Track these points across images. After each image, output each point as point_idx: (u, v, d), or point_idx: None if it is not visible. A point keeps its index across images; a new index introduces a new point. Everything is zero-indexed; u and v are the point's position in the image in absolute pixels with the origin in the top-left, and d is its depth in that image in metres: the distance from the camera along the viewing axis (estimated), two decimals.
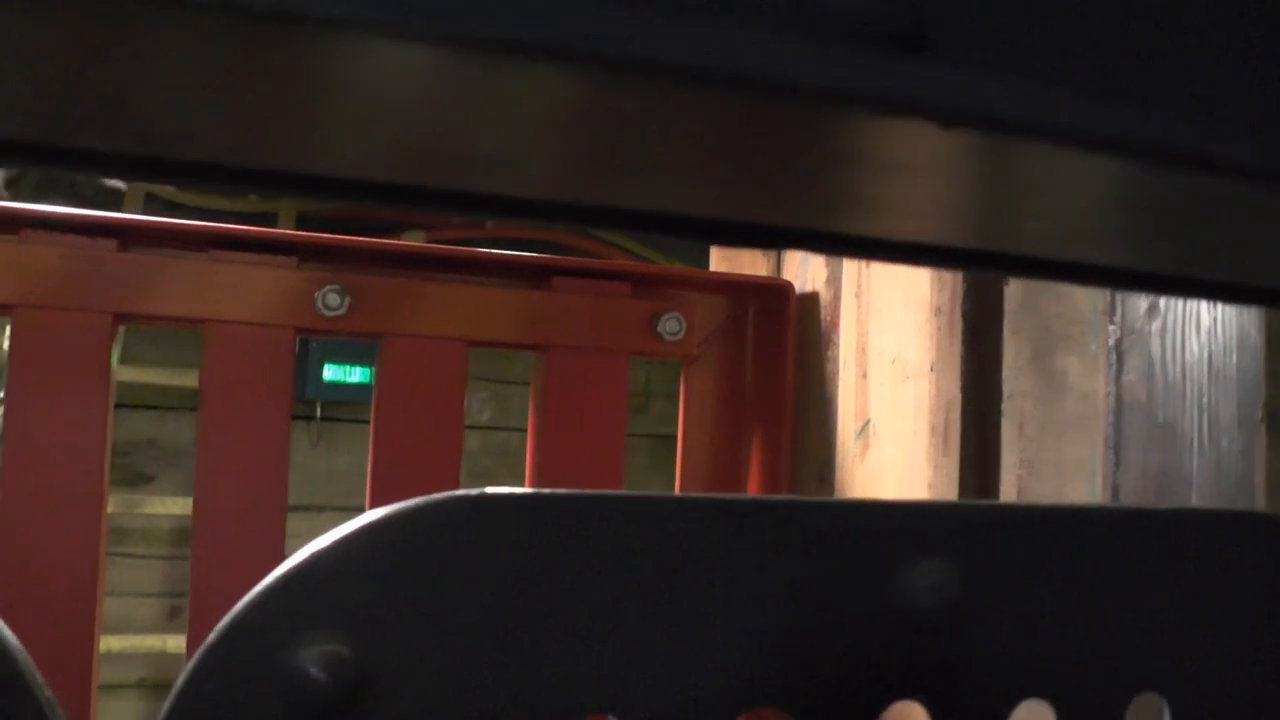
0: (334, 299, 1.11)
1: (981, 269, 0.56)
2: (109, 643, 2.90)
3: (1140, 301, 0.83)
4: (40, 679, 0.42)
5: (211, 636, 0.43)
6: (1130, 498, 0.84)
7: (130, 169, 0.35)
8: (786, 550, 0.48)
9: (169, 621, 3.40)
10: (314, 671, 0.42)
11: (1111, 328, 0.86)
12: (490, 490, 0.44)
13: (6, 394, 1.07)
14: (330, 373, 3.46)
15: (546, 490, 0.44)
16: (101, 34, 0.24)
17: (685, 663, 0.46)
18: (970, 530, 0.51)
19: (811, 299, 1.28)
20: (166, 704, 0.43)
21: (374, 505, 1.15)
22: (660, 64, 0.26)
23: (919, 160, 0.35)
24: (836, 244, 0.46)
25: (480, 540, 0.44)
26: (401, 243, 1.18)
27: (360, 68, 0.26)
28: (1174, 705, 0.53)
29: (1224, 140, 0.33)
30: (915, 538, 0.50)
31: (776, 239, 0.47)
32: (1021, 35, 0.32)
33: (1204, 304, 0.77)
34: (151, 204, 3.40)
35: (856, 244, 0.46)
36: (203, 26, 0.23)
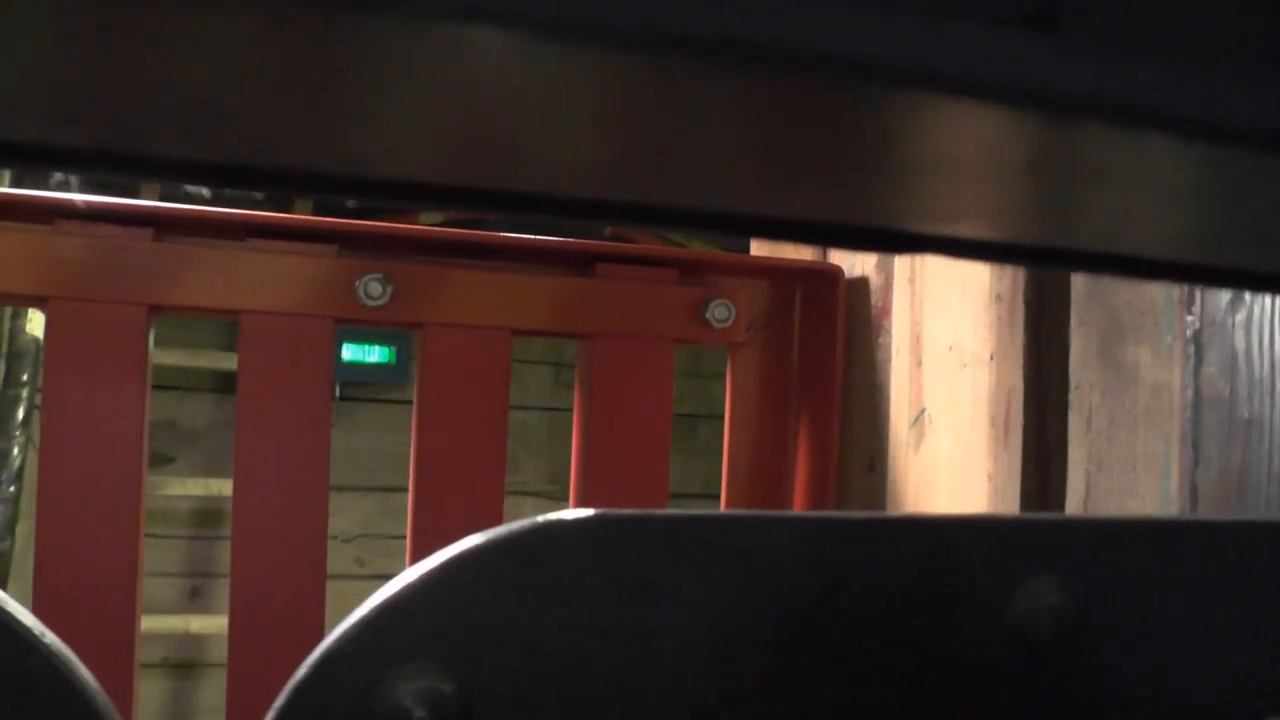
0: (376, 288, 1.08)
1: (1048, 266, 0.53)
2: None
3: (1222, 293, 0.80)
4: (86, 675, 0.39)
5: (301, 671, 0.40)
6: (1209, 495, 0.81)
7: (198, 175, 0.33)
8: (898, 569, 0.45)
9: (190, 602, 3.39)
10: (414, 708, 0.40)
11: (1190, 319, 0.83)
12: (598, 511, 0.42)
13: (44, 387, 1.05)
14: (349, 353, 3.43)
15: (657, 512, 0.42)
16: (139, 24, 0.22)
17: (799, 688, 0.44)
18: (1089, 546, 0.48)
19: (861, 284, 1.25)
20: None
21: (417, 499, 1.13)
22: (791, 50, 0.23)
23: (964, 151, 0.32)
24: (892, 241, 0.44)
25: (586, 565, 0.41)
26: (443, 229, 1.15)
27: (405, 54, 0.24)
28: None
29: None
30: (1033, 554, 0.47)
31: (833, 236, 0.44)
32: (1162, 13, 0.29)
33: None
34: (168, 193, 3.38)
35: (913, 241, 0.44)
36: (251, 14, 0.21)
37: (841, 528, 0.45)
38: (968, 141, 0.32)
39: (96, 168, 0.28)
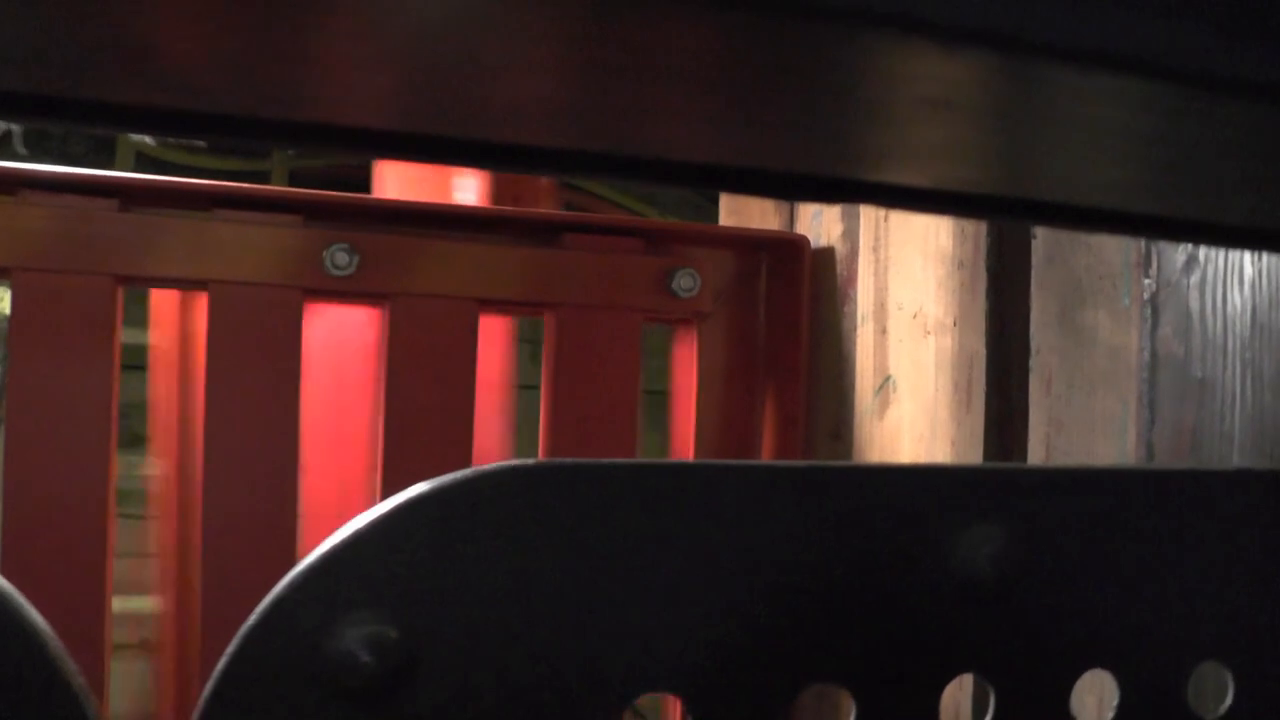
0: (342, 258, 1.09)
1: (1008, 217, 0.53)
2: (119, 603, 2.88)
3: (1177, 255, 0.81)
4: (72, 666, 0.40)
5: (251, 619, 0.41)
6: (1165, 455, 0.83)
7: (117, 120, 0.33)
8: (845, 518, 0.46)
9: None
10: (360, 654, 0.40)
11: (1146, 281, 0.84)
12: (542, 460, 0.42)
13: (10, 360, 1.04)
14: None
15: (601, 460, 0.42)
16: None
17: (745, 637, 0.45)
18: (1030, 494, 0.49)
19: (827, 253, 1.25)
20: (206, 690, 0.41)
21: (386, 469, 1.13)
22: None
23: (931, 92, 0.32)
24: (854, 191, 0.44)
25: (530, 513, 0.42)
26: (410, 200, 1.15)
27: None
28: (1238, 673, 0.52)
29: (1271, 64, 0.30)
30: (974, 503, 0.48)
31: (791, 187, 0.44)
32: None
33: (1248, 257, 0.75)
34: (142, 164, 3.36)
35: (875, 191, 0.44)
36: None
37: (782, 476, 0.46)
38: (925, 84, 0.32)
39: (27, 113, 0.29)
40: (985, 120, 0.35)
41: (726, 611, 0.44)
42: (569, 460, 0.43)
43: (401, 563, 0.41)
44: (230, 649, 0.41)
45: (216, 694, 0.40)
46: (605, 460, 0.43)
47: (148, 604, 3.19)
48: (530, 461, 0.42)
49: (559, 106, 0.34)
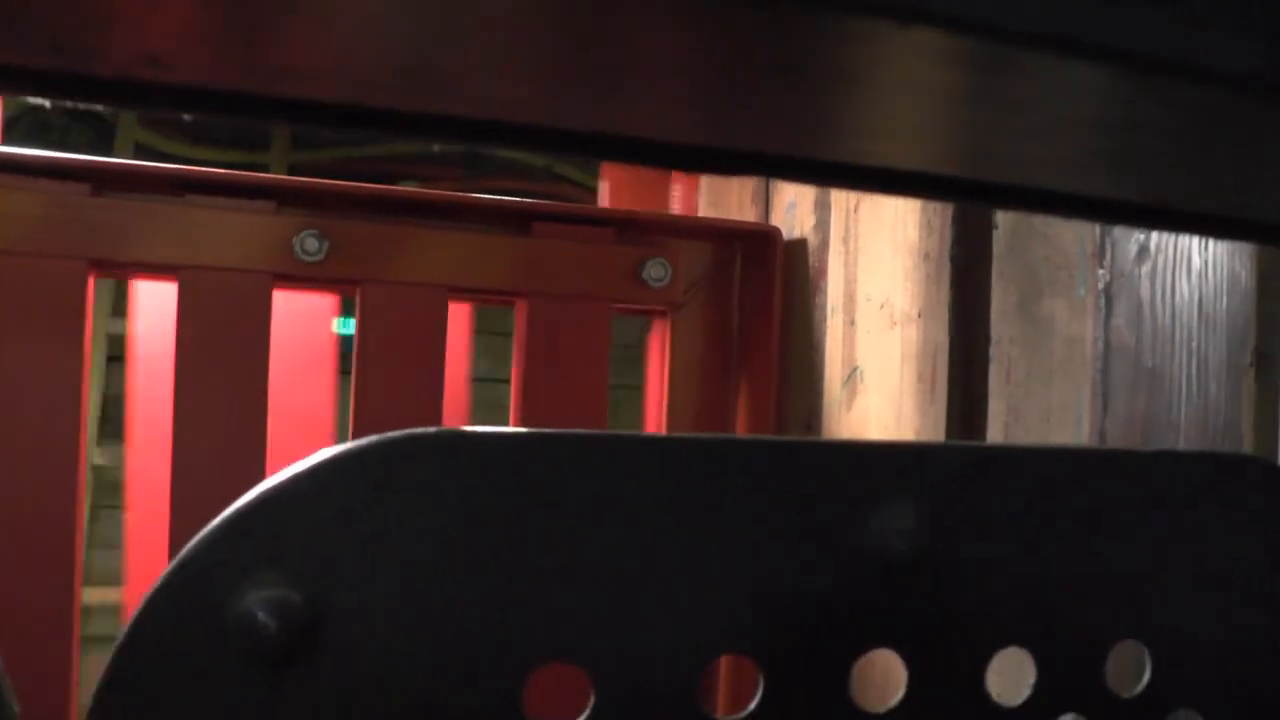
0: (312, 244, 1.09)
1: (969, 200, 0.54)
2: (104, 595, 2.89)
3: (1130, 245, 0.82)
4: None
5: (157, 581, 0.41)
6: (1118, 444, 0.83)
7: (61, 89, 0.33)
8: (756, 492, 0.47)
9: None
10: (262, 617, 0.41)
11: (1101, 271, 0.84)
12: (448, 429, 0.43)
13: None
14: (338, 326, 3.43)
15: (509, 429, 0.43)
16: None
17: (652, 610, 0.45)
18: (944, 472, 0.49)
19: (799, 245, 1.26)
20: (113, 651, 0.41)
21: None
22: None
23: (885, 72, 0.33)
24: (816, 171, 0.44)
25: (439, 480, 0.43)
26: (382, 187, 1.16)
27: None
28: (1155, 652, 0.52)
29: (1218, 48, 0.31)
30: (888, 480, 0.48)
31: (754, 165, 0.45)
32: None
33: (1195, 246, 0.76)
34: (141, 154, 3.37)
35: (837, 171, 0.44)
36: None
37: (695, 448, 0.46)
38: (897, 67, 0.32)
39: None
40: (943, 101, 0.35)
41: (632, 582, 0.45)
42: (475, 429, 0.43)
43: (308, 526, 0.42)
44: (137, 610, 0.41)
45: (121, 654, 0.40)
46: (511, 430, 0.44)
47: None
48: (438, 429, 0.43)
49: (539, 83, 0.35)
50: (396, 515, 0.42)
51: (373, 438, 0.43)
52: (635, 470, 0.45)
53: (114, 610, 3.12)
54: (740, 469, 0.46)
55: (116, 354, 3.04)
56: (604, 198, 1.44)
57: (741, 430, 1.27)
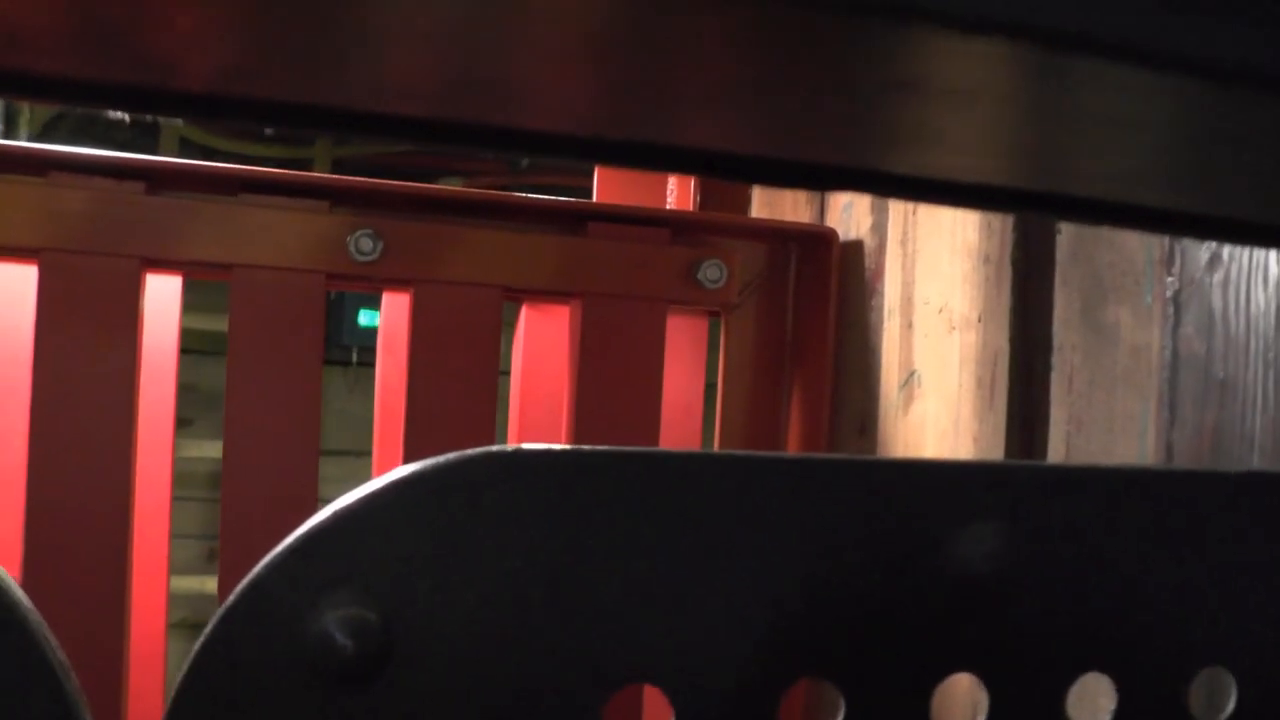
0: (367, 243, 1.09)
1: (1036, 211, 0.52)
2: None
3: (1201, 252, 0.80)
4: (52, 638, 0.40)
5: (230, 599, 0.41)
6: (1185, 456, 0.81)
7: (133, 101, 0.33)
8: (835, 512, 0.45)
9: (208, 563, 3.42)
10: (340, 637, 0.40)
11: (1169, 279, 0.82)
12: (527, 446, 0.42)
13: (35, 342, 1.05)
14: (365, 318, 3.45)
15: (586, 448, 0.42)
16: None
17: (730, 631, 0.44)
18: (1027, 492, 0.48)
19: (855, 247, 1.24)
20: (184, 668, 0.41)
21: (409, 457, 1.13)
22: None
23: (953, 82, 0.31)
24: (884, 184, 0.43)
25: (516, 499, 0.42)
26: (435, 187, 1.15)
27: None
28: (1241, 680, 0.51)
29: None
30: (970, 500, 0.47)
31: (821, 179, 0.44)
32: None
33: (1272, 255, 0.74)
34: (186, 150, 3.38)
35: (903, 184, 0.43)
36: None
37: (777, 468, 0.45)
38: (956, 75, 0.31)
39: (58, 94, 0.28)
40: (1008, 111, 0.34)
41: (714, 603, 0.44)
42: (557, 446, 0.42)
43: (383, 545, 0.41)
44: (207, 629, 0.41)
45: (192, 674, 0.40)
46: (594, 448, 0.43)
47: (189, 584, 3.22)
48: (513, 447, 0.42)
49: (584, 92, 0.34)
50: (473, 533, 0.42)
51: (449, 455, 0.42)
52: (715, 489, 0.44)
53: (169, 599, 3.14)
54: (822, 488, 0.45)
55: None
56: (596, 192, 1.42)
57: (794, 433, 1.26)
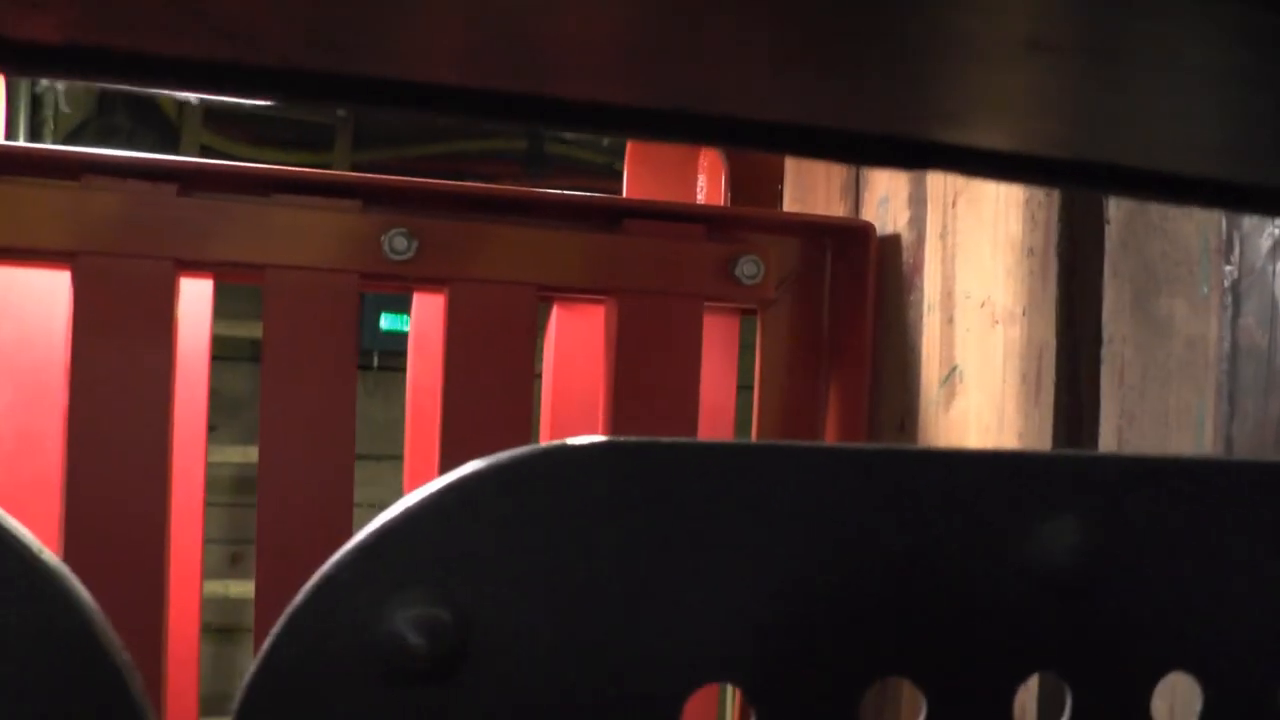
0: (401, 242, 1.08)
1: (1089, 185, 0.51)
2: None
3: (1262, 239, 0.78)
4: (116, 639, 0.38)
5: (299, 597, 0.39)
6: (1245, 449, 0.79)
7: (182, 77, 0.31)
8: (917, 505, 0.44)
9: (231, 567, 3.42)
10: (412, 637, 0.39)
11: (1228, 268, 0.81)
12: (600, 438, 0.41)
13: (71, 345, 1.04)
14: (387, 322, 3.45)
15: (664, 440, 0.41)
16: None
17: (809, 628, 0.43)
18: (1111, 484, 0.46)
19: (893, 241, 1.23)
20: (252, 668, 0.39)
21: (444, 456, 1.12)
22: None
23: (1020, 30, 0.30)
24: (928, 156, 0.42)
25: (590, 492, 0.40)
26: (469, 184, 1.14)
27: None
28: None
29: None
30: (1053, 492, 0.46)
31: (861, 150, 0.42)
32: None
33: None
34: (207, 156, 3.39)
35: (951, 154, 0.42)
36: None
37: (856, 460, 0.44)
38: (1012, 20, 0.30)
39: (60, 65, 0.27)
40: (1077, 63, 0.32)
41: (791, 599, 0.43)
42: (630, 439, 0.41)
43: (455, 542, 0.40)
44: (276, 629, 0.39)
45: (262, 673, 0.39)
46: (666, 439, 0.41)
47: (212, 588, 3.21)
48: (592, 439, 0.41)
49: (629, 61, 0.33)
50: (546, 529, 0.40)
51: (521, 449, 0.41)
52: (793, 482, 0.42)
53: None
54: (901, 481, 0.44)
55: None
56: (626, 189, 1.41)
57: (832, 430, 1.24)
